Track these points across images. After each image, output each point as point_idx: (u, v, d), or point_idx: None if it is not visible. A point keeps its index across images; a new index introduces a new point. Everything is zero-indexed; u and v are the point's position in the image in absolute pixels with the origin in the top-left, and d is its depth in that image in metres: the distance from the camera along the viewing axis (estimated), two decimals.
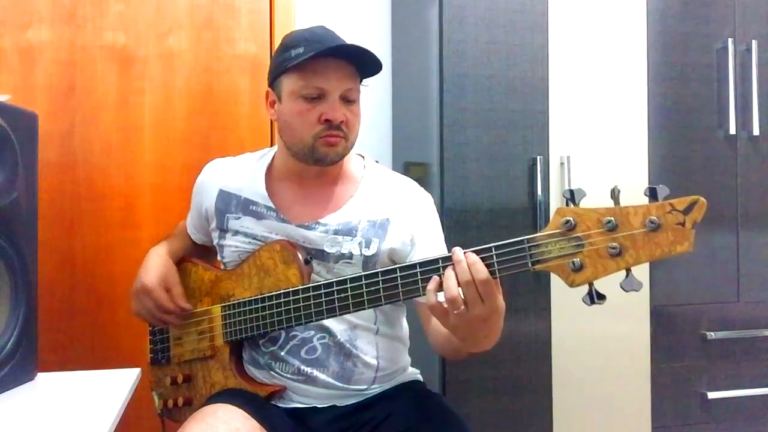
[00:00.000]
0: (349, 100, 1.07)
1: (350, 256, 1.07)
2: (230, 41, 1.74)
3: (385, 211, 1.11)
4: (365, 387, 1.10)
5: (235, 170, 1.19)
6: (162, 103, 1.70)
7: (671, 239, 0.73)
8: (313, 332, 1.08)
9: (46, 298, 1.53)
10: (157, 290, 1.13)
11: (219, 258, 1.20)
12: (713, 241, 1.64)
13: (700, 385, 1.62)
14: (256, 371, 1.12)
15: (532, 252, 0.82)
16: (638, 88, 1.60)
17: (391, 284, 0.92)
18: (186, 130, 1.71)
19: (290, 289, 1.02)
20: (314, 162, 1.08)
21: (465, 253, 0.84)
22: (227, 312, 1.12)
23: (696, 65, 1.64)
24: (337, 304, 0.97)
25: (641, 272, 1.32)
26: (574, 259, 0.79)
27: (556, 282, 0.93)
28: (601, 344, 1.56)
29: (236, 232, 1.14)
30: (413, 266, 0.90)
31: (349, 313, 0.98)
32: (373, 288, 0.94)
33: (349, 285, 0.96)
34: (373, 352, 1.11)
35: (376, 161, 1.23)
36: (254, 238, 1.12)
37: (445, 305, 0.84)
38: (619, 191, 0.78)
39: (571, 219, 0.79)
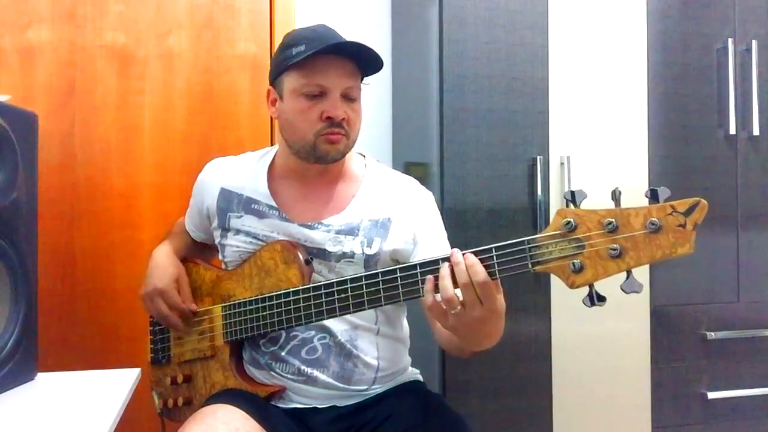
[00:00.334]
0: (350, 97, 1.07)
1: (352, 255, 1.07)
2: (230, 41, 1.74)
3: (386, 210, 1.11)
4: (365, 387, 1.10)
5: (236, 169, 1.19)
6: (162, 103, 1.70)
7: (672, 241, 0.73)
8: (313, 332, 1.08)
9: (46, 298, 1.53)
10: (171, 291, 1.14)
11: (220, 257, 1.19)
12: (713, 242, 1.64)
13: (700, 385, 1.62)
14: (256, 371, 1.12)
15: (533, 253, 0.81)
16: (638, 89, 1.60)
17: (392, 285, 0.92)
18: (186, 130, 1.71)
19: (291, 290, 1.03)
20: (316, 160, 1.08)
21: (464, 254, 0.84)
22: (228, 312, 1.12)
23: (696, 65, 1.64)
24: (337, 305, 0.97)
25: (641, 272, 1.31)
26: (575, 261, 0.79)
27: (557, 282, 0.93)
28: (601, 344, 1.56)
29: (238, 231, 1.14)
30: (413, 267, 0.90)
31: (350, 313, 0.98)
32: (373, 288, 0.94)
33: (349, 285, 0.96)
34: (374, 352, 1.11)
35: (377, 160, 1.23)
36: (256, 237, 1.12)
37: (443, 306, 0.84)
38: (620, 193, 0.77)
39: (571, 220, 0.79)
